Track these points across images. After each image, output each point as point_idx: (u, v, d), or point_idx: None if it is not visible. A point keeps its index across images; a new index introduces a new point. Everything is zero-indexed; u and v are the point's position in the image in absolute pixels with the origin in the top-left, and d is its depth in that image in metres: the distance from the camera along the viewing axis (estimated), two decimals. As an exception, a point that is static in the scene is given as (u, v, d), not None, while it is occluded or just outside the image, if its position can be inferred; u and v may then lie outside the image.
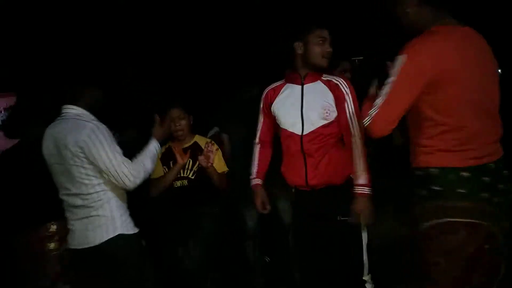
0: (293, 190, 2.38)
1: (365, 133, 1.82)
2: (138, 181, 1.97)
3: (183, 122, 2.77)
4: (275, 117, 2.32)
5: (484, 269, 1.58)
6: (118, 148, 1.95)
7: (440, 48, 1.53)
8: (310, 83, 2.22)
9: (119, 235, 1.96)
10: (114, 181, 1.92)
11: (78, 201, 1.96)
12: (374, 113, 1.61)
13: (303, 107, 2.20)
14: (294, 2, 4.24)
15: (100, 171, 1.91)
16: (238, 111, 3.19)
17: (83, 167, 1.91)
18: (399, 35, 1.70)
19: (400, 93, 1.56)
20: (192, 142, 2.84)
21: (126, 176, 1.91)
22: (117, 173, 1.90)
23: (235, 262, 3.32)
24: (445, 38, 1.55)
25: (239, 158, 2.98)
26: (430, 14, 1.62)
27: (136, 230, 2.04)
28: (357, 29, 4.38)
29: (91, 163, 1.89)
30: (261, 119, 2.43)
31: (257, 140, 2.48)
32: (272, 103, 2.31)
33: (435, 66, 1.51)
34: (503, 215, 1.59)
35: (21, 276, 2.38)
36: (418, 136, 1.62)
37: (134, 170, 1.94)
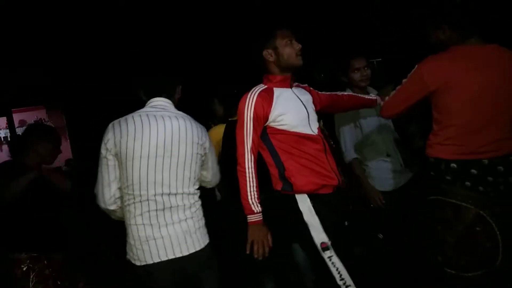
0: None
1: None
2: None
3: None
4: (274, 124, 2.06)
5: (480, 252, 1.88)
6: None
7: (445, 65, 1.91)
8: (295, 87, 2.19)
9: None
10: (210, 179, 1.99)
11: (179, 202, 1.79)
12: (386, 99, 2.15)
13: (306, 109, 2.12)
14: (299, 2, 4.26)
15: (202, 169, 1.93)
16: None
17: (198, 164, 1.86)
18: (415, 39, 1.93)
19: (406, 92, 2.03)
20: None
21: (219, 174, 2.05)
22: (218, 169, 2.02)
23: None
24: (452, 57, 1.92)
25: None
26: (458, 36, 1.96)
27: None
28: (374, 31, 4.42)
29: (203, 161, 1.90)
30: (251, 128, 2.02)
31: (249, 152, 2.02)
32: (271, 109, 2.03)
33: (433, 80, 1.92)
34: (490, 202, 1.89)
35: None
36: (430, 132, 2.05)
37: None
